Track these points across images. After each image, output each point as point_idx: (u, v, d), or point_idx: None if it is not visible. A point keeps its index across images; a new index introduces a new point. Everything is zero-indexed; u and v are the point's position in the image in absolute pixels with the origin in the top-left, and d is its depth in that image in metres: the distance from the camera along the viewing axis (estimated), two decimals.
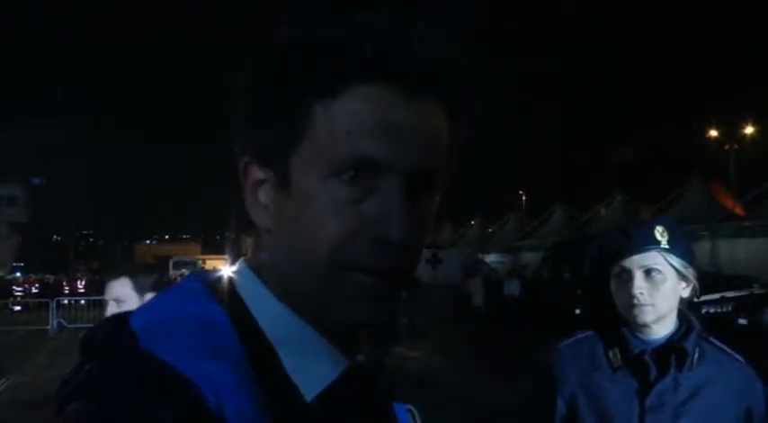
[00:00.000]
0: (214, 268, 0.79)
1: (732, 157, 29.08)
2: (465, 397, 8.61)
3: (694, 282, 1.66)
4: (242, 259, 0.70)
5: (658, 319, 1.63)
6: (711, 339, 1.69)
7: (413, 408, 0.78)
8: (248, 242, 0.71)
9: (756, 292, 14.15)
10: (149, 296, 2.75)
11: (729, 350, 1.69)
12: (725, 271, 18.32)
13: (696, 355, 1.62)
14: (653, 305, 1.61)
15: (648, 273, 1.62)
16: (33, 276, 44.48)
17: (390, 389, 0.77)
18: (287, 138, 0.63)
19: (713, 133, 30.97)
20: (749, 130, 30.27)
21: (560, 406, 1.68)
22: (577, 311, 13.93)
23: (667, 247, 1.62)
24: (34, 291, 32.45)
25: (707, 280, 13.77)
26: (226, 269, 0.71)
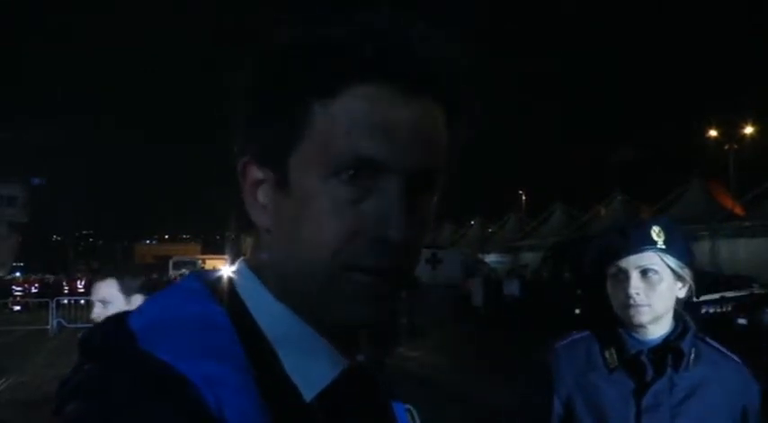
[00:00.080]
0: (214, 268, 0.79)
1: (732, 157, 29.10)
2: (465, 397, 8.62)
3: (690, 282, 1.66)
4: (241, 259, 0.70)
5: (654, 320, 1.63)
6: (707, 340, 1.69)
7: (412, 407, 0.78)
8: (248, 242, 0.71)
9: (756, 292, 14.17)
10: (136, 298, 2.73)
11: (725, 350, 1.69)
12: (725, 271, 18.33)
13: (692, 355, 1.62)
14: (649, 305, 1.61)
15: (645, 273, 1.62)
16: (33, 276, 44.45)
17: (390, 388, 0.77)
18: (287, 138, 0.63)
19: (713, 133, 30.99)
20: (749, 130, 30.29)
21: (557, 406, 1.68)
22: (577, 311, 13.92)
23: (664, 247, 1.62)
24: (34, 291, 32.43)
25: (707, 280, 13.80)
26: (225, 269, 0.71)
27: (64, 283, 32.27)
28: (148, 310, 0.64)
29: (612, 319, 1.69)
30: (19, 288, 33.07)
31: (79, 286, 29.47)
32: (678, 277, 1.64)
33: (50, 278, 41.01)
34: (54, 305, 19.82)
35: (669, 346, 1.63)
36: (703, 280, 13.87)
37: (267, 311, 0.65)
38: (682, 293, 1.66)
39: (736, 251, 22.17)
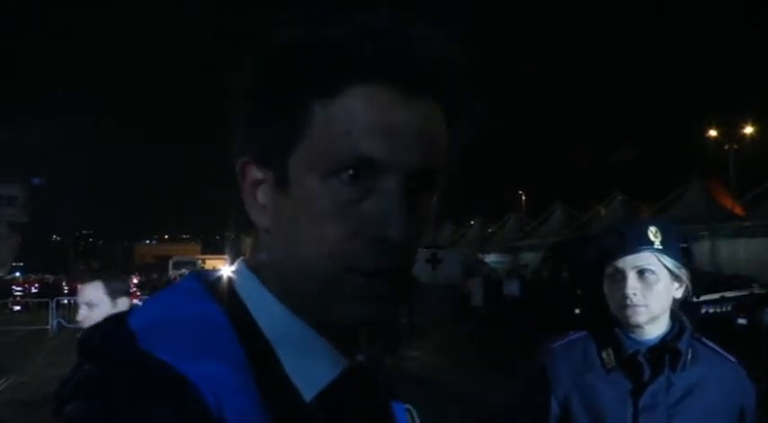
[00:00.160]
0: (214, 268, 0.79)
1: (732, 157, 29.09)
2: (465, 397, 8.62)
3: (687, 282, 1.66)
4: (240, 259, 0.70)
5: (651, 320, 1.63)
6: (704, 340, 1.69)
7: (411, 407, 0.78)
8: (247, 242, 0.71)
9: (756, 292, 14.15)
10: (123, 301, 2.71)
11: (721, 350, 1.69)
12: (725, 271, 18.31)
13: (689, 355, 1.63)
14: (646, 306, 1.61)
15: (641, 273, 1.62)
16: (33, 276, 44.46)
17: (389, 388, 0.77)
18: (287, 138, 0.63)
19: (713, 133, 30.99)
20: (749, 130, 30.29)
21: (554, 407, 1.68)
22: (577, 311, 13.92)
23: (660, 247, 1.62)
24: (34, 291, 32.44)
25: (707, 280, 13.80)
26: (225, 269, 0.71)
27: (64, 283, 32.23)
28: (148, 310, 0.64)
29: (609, 320, 1.69)
30: (19, 288, 33.07)
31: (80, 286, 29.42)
32: (675, 277, 1.64)
33: (50, 278, 41.03)
34: (54, 305, 19.82)
35: (666, 347, 1.63)
36: (703, 280, 13.90)
37: (267, 311, 0.65)
38: (678, 294, 1.66)
39: (736, 251, 22.14)
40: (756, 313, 12.69)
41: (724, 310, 13.39)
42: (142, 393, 0.55)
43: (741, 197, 24.97)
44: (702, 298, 13.01)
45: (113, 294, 2.72)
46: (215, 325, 0.62)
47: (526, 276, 21.22)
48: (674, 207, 25.45)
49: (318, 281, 0.62)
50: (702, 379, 1.62)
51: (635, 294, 1.61)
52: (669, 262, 1.63)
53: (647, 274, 1.62)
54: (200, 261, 48.78)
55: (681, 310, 1.70)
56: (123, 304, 2.74)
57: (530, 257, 29.10)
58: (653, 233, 1.63)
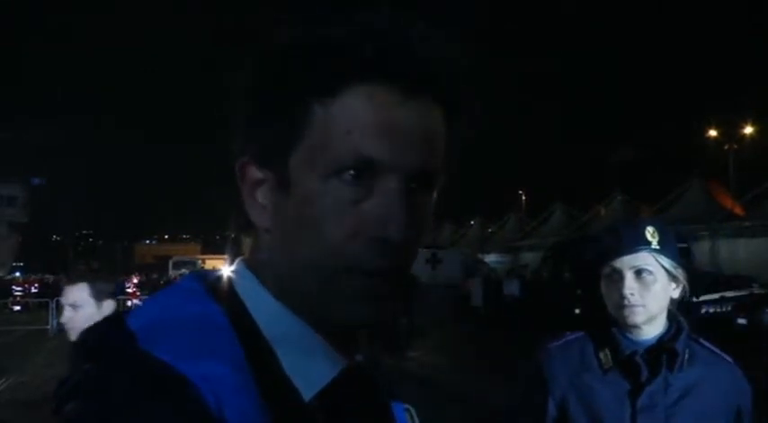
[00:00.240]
0: (214, 268, 0.79)
1: (732, 157, 29.08)
2: (465, 397, 8.61)
3: (684, 282, 1.66)
4: (240, 259, 0.70)
5: (649, 320, 1.63)
6: (700, 340, 1.69)
7: (410, 407, 0.78)
8: (247, 242, 0.71)
9: (756, 292, 14.15)
10: (108, 303, 2.68)
11: (718, 351, 1.69)
12: (725, 271, 18.31)
13: (686, 355, 1.63)
14: (643, 306, 1.61)
15: (639, 273, 1.62)
16: (33, 276, 44.44)
17: (389, 388, 0.77)
18: (287, 138, 0.63)
19: (713, 133, 30.98)
20: (749, 130, 30.28)
21: (551, 407, 1.68)
22: (577, 311, 13.91)
23: (658, 247, 1.62)
24: (34, 291, 32.44)
25: (707, 280, 13.79)
26: (225, 269, 0.71)
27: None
28: (147, 310, 0.64)
29: (607, 320, 1.69)
30: (19, 288, 33.07)
31: None
32: (672, 278, 1.64)
33: (50, 278, 40.98)
34: (54, 305, 19.79)
35: (663, 347, 1.63)
36: (703, 280, 13.90)
37: (266, 311, 0.65)
38: (676, 294, 1.66)
39: (736, 251, 22.14)
40: (756, 313, 12.69)
41: (724, 310, 13.39)
42: (142, 393, 0.55)
43: (741, 197, 24.96)
44: (702, 298, 13.01)
45: (98, 296, 2.68)
46: (214, 325, 0.62)
47: (526, 276, 21.20)
48: (674, 207, 25.44)
49: (318, 281, 0.62)
50: (700, 379, 1.62)
51: (632, 294, 1.61)
52: (666, 262, 1.63)
53: (644, 275, 1.62)
54: (200, 261, 48.74)
55: (680, 310, 1.70)
56: (108, 306, 2.70)
57: (530, 257, 29.08)
58: (650, 233, 1.63)
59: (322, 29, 0.63)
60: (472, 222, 43.97)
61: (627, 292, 1.61)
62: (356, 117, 0.61)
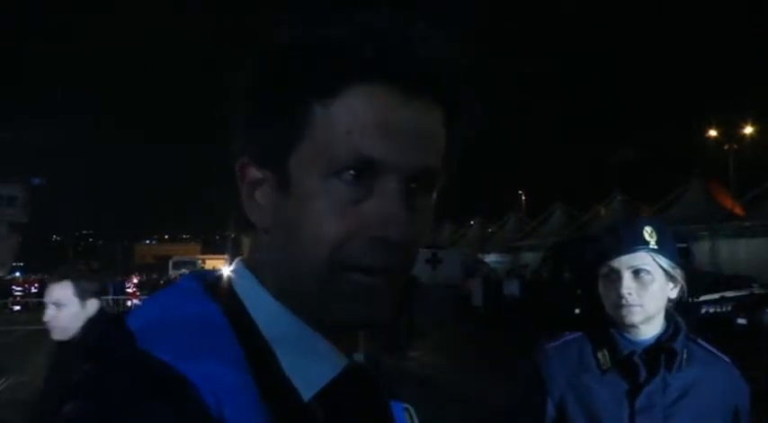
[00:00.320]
0: (214, 268, 0.79)
1: (732, 157, 29.08)
2: (465, 397, 8.62)
3: (682, 282, 1.66)
4: (239, 259, 0.70)
5: (646, 320, 1.63)
6: (698, 340, 1.69)
7: (409, 407, 0.78)
8: (246, 242, 0.71)
9: (756, 292, 14.15)
10: (92, 302, 2.66)
11: (715, 351, 1.70)
12: (725, 271, 18.31)
13: (684, 355, 1.63)
14: (641, 305, 1.61)
15: (637, 273, 1.62)
16: (33, 276, 44.44)
17: (388, 388, 0.77)
18: (287, 138, 0.63)
19: (713, 133, 30.98)
20: (749, 130, 30.28)
21: (549, 408, 1.68)
22: (577, 311, 13.91)
23: (656, 247, 1.62)
24: (34, 291, 32.43)
25: (707, 280, 13.80)
26: (225, 269, 0.71)
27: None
28: (147, 310, 0.64)
29: (605, 320, 1.69)
30: (19, 288, 33.06)
31: None
32: (670, 278, 1.64)
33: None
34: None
35: (662, 347, 1.63)
36: (703, 280, 13.90)
37: (265, 311, 0.65)
38: (673, 294, 1.66)
39: (736, 251, 22.14)
40: (756, 313, 12.70)
41: (724, 310, 13.39)
42: (142, 393, 0.55)
43: (741, 197, 24.97)
44: (702, 298, 13.02)
45: (82, 295, 2.63)
46: (214, 325, 0.62)
47: (526, 276, 21.21)
48: (674, 207, 25.45)
49: (319, 280, 0.62)
50: (698, 379, 1.62)
51: (630, 294, 1.61)
52: (664, 262, 1.63)
53: (642, 274, 1.62)
54: (200, 261, 48.73)
55: (679, 310, 1.70)
56: (92, 305, 2.67)
57: (530, 257, 29.10)
58: (648, 233, 1.63)
59: (322, 29, 0.63)
60: (472, 222, 43.97)
61: (624, 291, 1.61)
62: (356, 117, 0.61)
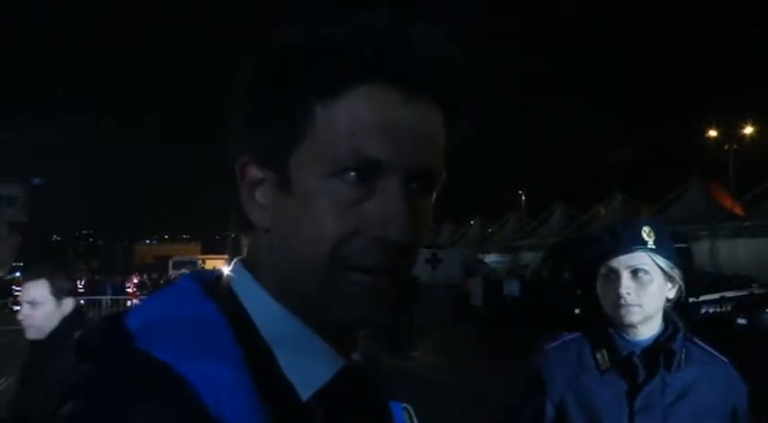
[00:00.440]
0: (214, 268, 0.79)
1: (732, 157, 29.08)
2: (465, 397, 8.62)
3: (680, 282, 1.66)
4: (238, 259, 0.70)
5: (645, 320, 1.63)
6: (696, 340, 1.70)
7: (408, 406, 0.78)
8: (246, 242, 0.71)
9: (756, 292, 14.15)
10: (68, 301, 2.65)
11: (713, 351, 1.70)
12: (725, 271, 18.32)
13: (683, 355, 1.63)
14: (640, 305, 1.61)
15: (635, 273, 1.62)
16: None
17: (387, 388, 0.77)
18: (287, 138, 0.63)
19: (713, 133, 30.98)
20: (749, 130, 30.29)
21: (549, 409, 1.68)
22: (577, 311, 13.91)
23: (654, 247, 1.62)
24: None
25: (707, 280, 13.80)
26: (224, 269, 0.71)
27: None
28: (146, 310, 0.64)
29: (603, 320, 1.69)
30: (19, 288, 32.93)
31: (79, 286, 29.47)
32: (668, 278, 1.64)
33: None
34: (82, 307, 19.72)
35: (660, 347, 1.63)
36: (703, 280, 13.90)
37: (264, 311, 0.65)
38: (672, 294, 1.66)
39: (736, 251, 22.14)
40: (756, 313, 12.68)
41: (724, 310, 13.39)
42: (141, 393, 0.55)
43: (741, 197, 24.96)
44: (702, 298, 13.02)
45: (58, 294, 2.63)
46: (213, 325, 0.62)
47: (526, 276, 21.20)
48: (673, 207, 25.44)
49: (319, 280, 0.62)
50: (696, 379, 1.62)
51: (629, 294, 1.61)
52: (663, 262, 1.63)
53: (640, 274, 1.62)
54: (200, 261, 48.74)
55: (677, 310, 1.70)
56: (68, 304, 2.65)
57: (530, 257, 29.09)
58: (646, 233, 1.63)
59: (322, 29, 0.63)
60: (472, 222, 43.96)
61: (623, 291, 1.61)
62: (358, 118, 0.61)
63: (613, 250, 1.64)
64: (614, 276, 1.64)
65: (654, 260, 1.62)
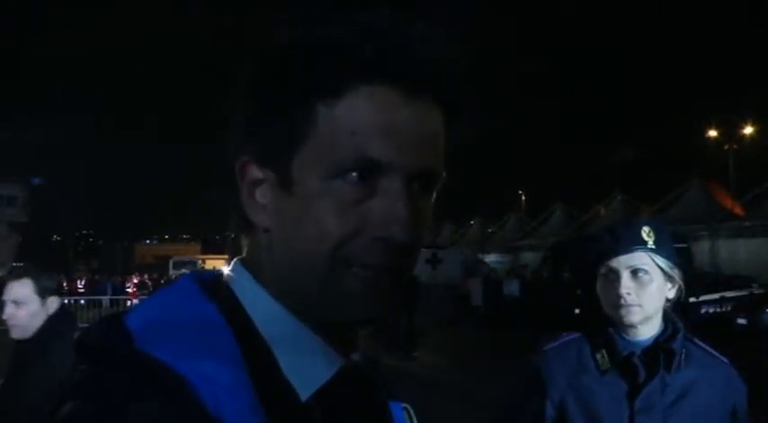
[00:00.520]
0: (214, 268, 0.79)
1: (732, 157, 29.08)
2: (465, 397, 8.62)
3: (680, 282, 1.66)
4: (237, 259, 0.70)
5: (645, 320, 1.63)
6: (695, 340, 1.70)
7: (408, 406, 0.78)
8: (245, 242, 0.71)
9: (756, 292, 14.15)
10: (52, 300, 2.62)
11: (713, 351, 1.70)
12: (725, 271, 18.32)
13: (683, 356, 1.63)
14: (640, 305, 1.61)
15: (635, 273, 1.62)
16: None
17: (387, 388, 0.77)
18: (288, 138, 0.63)
19: (713, 133, 30.97)
20: (749, 130, 30.28)
21: (549, 409, 1.68)
22: (577, 311, 13.91)
23: (654, 247, 1.62)
24: None
25: (707, 280, 13.79)
26: (224, 269, 0.71)
27: (64, 284, 32.23)
28: (145, 310, 0.64)
29: (603, 320, 1.69)
30: None
31: (79, 286, 29.47)
32: (668, 278, 1.64)
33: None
34: (67, 306, 19.70)
35: (660, 347, 1.63)
36: (703, 280, 13.89)
37: (263, 310, 0.65)
38: (671, 294, 1.66)
39: (736, 251, 22.13)
40: (756, 313, 12.68)
41: (724, 310, 13.39)
42: (141, 393, 0.55)
43: (741, 197, 24.96)
44: (702, 298, 13.01)
45: (42, 293, 2.60)
46: (212, 324, 0.62)
47: (526, 276, 21.21)
48: (673, 207, 25.44)
49: (320, 279, 0.62)
50: (696, 380, 1.62)
51: (629, 294, 1.61)
52: (662, 262, 1.63)
53: (640, 274, 1.62)
54: (200, 261, 48.70)
55: (678, 310, 1.70)
56: (53, 303, 2.63)
57: (530, 257, 29.09)
58: (646, 233, 1.63)
59: (322, 29, 0.63)
60: (472, 222, 43.94)
61: (623, 291, 1.61)
62: (359, 118, 0.61)
63: (613, 250, 1.64)
64: (614, 276, 1.64)
65: (654, 260, 1.62)
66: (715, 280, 14.40)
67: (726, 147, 30.02)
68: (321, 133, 0.62)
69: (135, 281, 32.70)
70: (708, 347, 1.70)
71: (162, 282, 32.52)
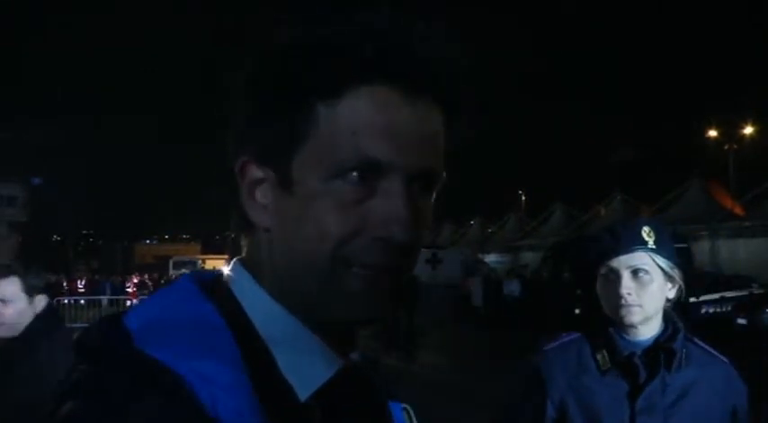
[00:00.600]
0: (214, 268, 0.79)
1: (732, 157, 29.08)
2: (465, 397, 8.62)
3: (680, 282, 1.66)
4: (236, 259, 0.70)
5: (645, 320, 1.63)
6: (696, 340, 1.70)
7: (408, 406, 0.78)
8: (244, 242, 0.71)
9: (756, 292, 14.14)
10: (40, 299, 2.60)
11: (713, 351, 1.70)
12: (725, 271, 18.30)
13: (683, 356, 1.63)
14: (640, 306, 1.61)
15: (636, 273, 1.62)
16: None
17: (386, 388, 0.77)
18: (288, 137, 0.63)
19: (713, 133, 30.98)
20: (749, 130, 30.28)
21: (549, 410, 1.68)
22: (577, 311, 13.91)
23: (654, 247, 1.62)
24: None
25: (707, 280, 13.79)
26: (224, 269, 0.71)
27: (64, 284, 32.18)
28: (145, 310, 0.64)
29: (603, 320, 1.69)
30: None
31: (79, 286, 29.47)
32: (668, 278, 1.64)
33: (51, 278, 40.88)
34: (54, 304, 19.74)
35: (660, 347, 1.63)
36: (703, 280, 13.89)
37: (262, 311, 0.65)
38: (672, 294, 1.66)
39: (736, 251, 22.12)
40: (756, 313, 12.68)
41: (724, 310, 13.38)
42: (140, 393, 0.55)
43: (741, 197, 24.95)
44: (702, 298, 13.01)
45: (30, 291, 2.56)
46: (211, 325, 0.62)
47: (526, 276, 21.19)
48: (673, 207, 25.43)
49: (320, 279, 0.62)
50: (696, 380, 1.62)
51: (629, 294, 1.61)
52: (663, 262, 1.63)
53: (640, 274, 1.62)
54: (200, 261, 48.71)
55: (678, 310, 1.70)
56: (40, 302, 2.61)
57: (530, 257, 29.08)
58: (646, 233, 1.63)
59: (322, 29, 0.63)
60: (472, 222, 43.93)
61: (624, 291, 1.61)
62: (360, 118, 0.61)
63: (613, 250, 1.64)
64: (614, 276, 1.64)
65: (654, 260, 1.62)
66: (715, 280, 14.40)
67: (726, 147, 30.02)
68: (321, 133, 0.62)
69: (135, 281, 32.70)
70: (708, 347, 1.70)
71: (162, 282, 32.52)
